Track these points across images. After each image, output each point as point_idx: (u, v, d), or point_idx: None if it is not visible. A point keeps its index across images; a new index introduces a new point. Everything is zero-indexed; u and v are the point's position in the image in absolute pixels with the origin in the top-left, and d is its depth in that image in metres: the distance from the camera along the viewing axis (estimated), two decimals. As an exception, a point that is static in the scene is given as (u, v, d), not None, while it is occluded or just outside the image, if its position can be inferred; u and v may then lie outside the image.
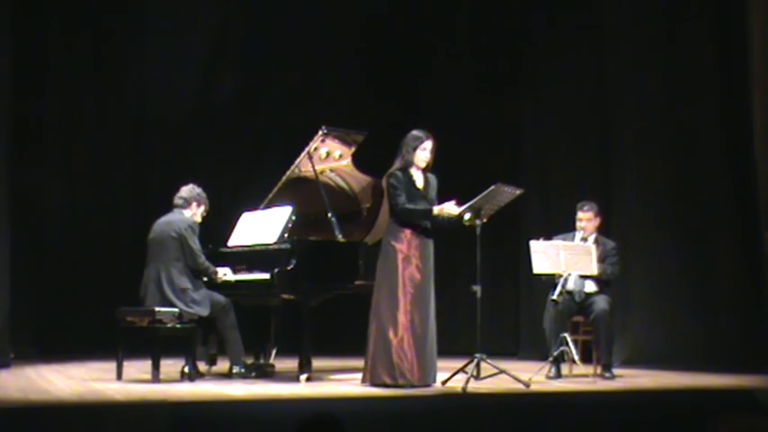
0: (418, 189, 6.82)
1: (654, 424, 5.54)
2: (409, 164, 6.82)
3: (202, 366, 7.37)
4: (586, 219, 7.77)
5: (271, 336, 7.69)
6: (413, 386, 6.53)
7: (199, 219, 7.34)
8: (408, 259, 6.68)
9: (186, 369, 7.04)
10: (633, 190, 8.94)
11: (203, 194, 7.38)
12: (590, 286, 7.65)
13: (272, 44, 10.61)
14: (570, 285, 7.56)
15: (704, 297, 8.51)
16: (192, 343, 7.03)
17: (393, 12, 10.76)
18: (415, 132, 6.86)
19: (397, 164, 6.84)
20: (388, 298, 6.65)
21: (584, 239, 7.71)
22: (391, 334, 6.59)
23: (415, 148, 6.81)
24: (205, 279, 7.22)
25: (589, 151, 9.50)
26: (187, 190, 7.35)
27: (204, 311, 7.07)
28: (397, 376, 6.56)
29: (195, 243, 7.14)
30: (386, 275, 6.70)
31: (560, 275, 7.43)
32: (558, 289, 7.37)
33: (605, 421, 5.63)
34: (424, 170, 6.87)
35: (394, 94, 10.70)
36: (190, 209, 7.31)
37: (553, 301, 7.40)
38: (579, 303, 7.63)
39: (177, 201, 7.32)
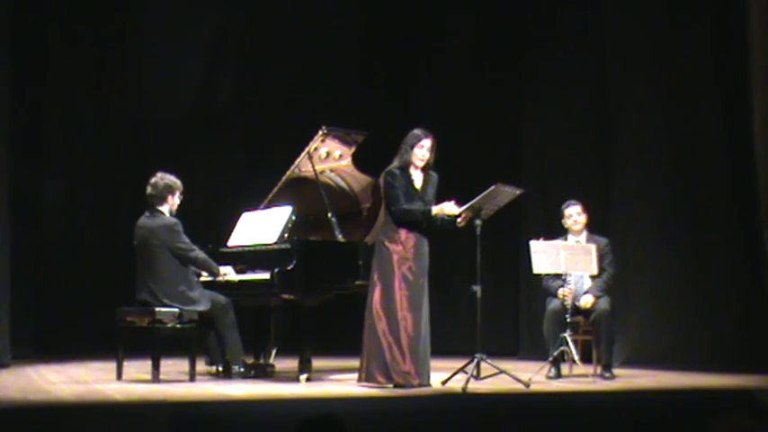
0: (416, 189, 6.78)
1: (654, 424, 5.53)
2: (407, 163, 6.79)
3: (202, 366, 7.37)
4: (576, 213, 7.76)
5: (271, 336, 7.68)
6: (407, 386, 6.53)
7: (176, 205, 7.19)
8: (403, 260, 6.66)
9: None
10: (633, 190, 8.93)
11: (172, 181, 7.17)
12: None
13: (271, 43, 10.60)
14: (572, 285, 7.58)
15: (704, 297, 8.49)
16: (192, 343, 7.03)
17: (393, 11, 10.76)
18: (414, 131, 6.83)
19: (396, 162, 6.81)
20: (382, 298, 6.65)
21: (577, 242, 7.70)
22: (384, 334, 6.59)
23: (412, 146, 6.77)
24: (204, 278, 7.21)
25: (589, 151, 9.50)
26: (157, 185, 7.14)
27: (204, 306, 7.05)
28: (392, 376, 6.56)
29: (183, 242, 7.06)
30: (380, 276, 6.69)
31: (566, 295, 7.45)
32: (571, 305, 7.42)
33: (605, 421, 5.63)
34: (424, 169, 6.84)
35: (394, 94, 10.70)
36: (167, 203, 7.16)
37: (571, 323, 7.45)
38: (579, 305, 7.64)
39: (152, 199, 7.15)
